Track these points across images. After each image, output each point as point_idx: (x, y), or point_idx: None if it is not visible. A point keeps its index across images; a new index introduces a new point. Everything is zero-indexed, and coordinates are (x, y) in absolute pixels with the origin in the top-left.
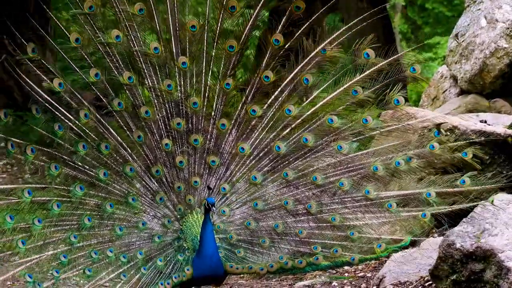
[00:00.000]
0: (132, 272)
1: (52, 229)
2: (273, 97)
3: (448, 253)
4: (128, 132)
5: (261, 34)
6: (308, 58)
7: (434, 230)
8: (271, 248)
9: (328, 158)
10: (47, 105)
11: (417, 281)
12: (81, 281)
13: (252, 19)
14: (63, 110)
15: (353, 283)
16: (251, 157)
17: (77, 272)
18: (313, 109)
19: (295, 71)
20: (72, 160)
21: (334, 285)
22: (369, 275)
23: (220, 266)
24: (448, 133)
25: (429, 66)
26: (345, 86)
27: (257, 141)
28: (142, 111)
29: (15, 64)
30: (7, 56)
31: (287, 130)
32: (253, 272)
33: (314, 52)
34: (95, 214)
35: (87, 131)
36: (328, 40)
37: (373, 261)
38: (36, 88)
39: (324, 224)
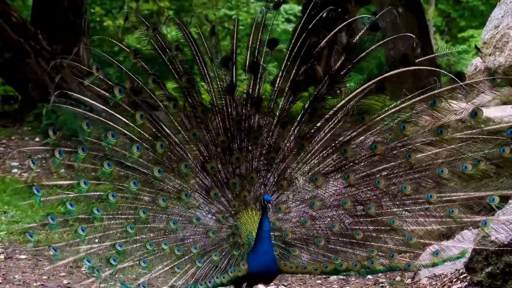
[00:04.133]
0: (187, 266)
1: (111, 221)
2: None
3: (483, 245)
4: (182, 130)
5: None
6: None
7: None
8: (326, 248)
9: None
10: (97, 117)
11: (452, 273)
12: (139, 271)
13: None
14: (120, 117)
15: (387, 275)
16: (313, 156)
17: (132, 263)
18: (380, 116)
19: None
20: (125, 160)
21: (368, 277)
22: None
23: (274, 264)
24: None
25: (463, 58)
26: (422, 97)
27: (322, 141)
28: (199, 110)
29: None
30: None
31: (355, 133)
32: (306, 272)
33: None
34: (150, 208)
35: (142, 132)
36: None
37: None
38: (88, 99)
39: (383, 227)
